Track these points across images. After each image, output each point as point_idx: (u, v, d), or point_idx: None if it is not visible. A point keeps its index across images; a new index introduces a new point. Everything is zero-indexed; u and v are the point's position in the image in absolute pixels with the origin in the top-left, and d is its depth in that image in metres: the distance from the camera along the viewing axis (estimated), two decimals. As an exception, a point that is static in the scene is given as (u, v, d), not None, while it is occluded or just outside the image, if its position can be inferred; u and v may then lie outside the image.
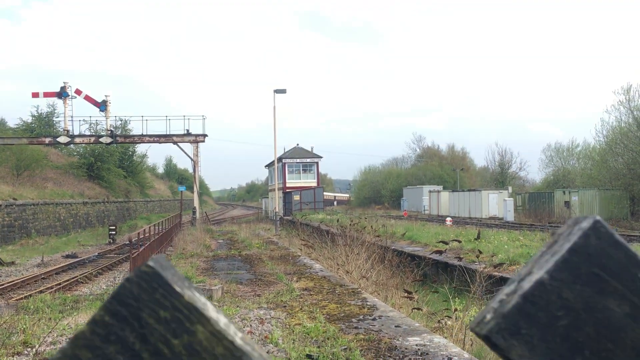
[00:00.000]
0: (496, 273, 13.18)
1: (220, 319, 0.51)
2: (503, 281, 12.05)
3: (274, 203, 48.16)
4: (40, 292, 14.86)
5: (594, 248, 0.53)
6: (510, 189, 52.43)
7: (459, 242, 13.18)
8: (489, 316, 0.52)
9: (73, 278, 18.03)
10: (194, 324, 0.49)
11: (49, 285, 16.48)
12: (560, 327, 0.51)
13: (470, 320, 8.20)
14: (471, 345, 7.68)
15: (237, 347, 0.50)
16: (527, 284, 0.52)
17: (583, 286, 0.52)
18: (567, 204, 42.05)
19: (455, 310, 8.60)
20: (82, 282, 17.60)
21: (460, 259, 11.06)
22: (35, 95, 40.29)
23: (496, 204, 47.92)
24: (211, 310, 0.51)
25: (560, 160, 59.86)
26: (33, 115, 50.87)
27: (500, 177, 70.22)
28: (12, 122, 49.12)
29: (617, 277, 0.53)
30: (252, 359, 0.50)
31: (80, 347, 0.49)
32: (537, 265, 0.54)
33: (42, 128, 49.18)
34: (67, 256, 24.67)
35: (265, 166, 72.72)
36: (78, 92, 39.70)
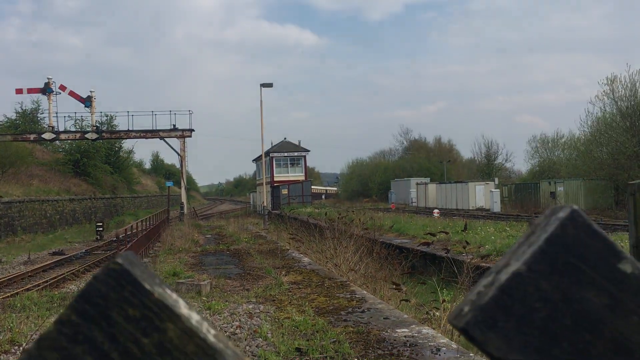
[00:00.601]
0: (483, 264, 13.29)
1: (192, 316, 0.49)
2: (490, 272, 12.13)
3: (262, 197, 48.10)
4: (27, 289, 14.73)
5: (571, 238, 0.52)
6: (496, 180, 52.82)
7: (447, 233, 13.26)
8: (466, 309, 0.51)
9: (60, 275, 17.90)
10: (165, 322, 0.48)
11: (36, 283, 16.35)
12: (537, 319, 0.50)
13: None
14: (459, 335, 7.75)
15: (210, 345, 0.48)
16: (504, 276, 0.51)
17: (560, 277, 0.51)
18: (553, 194, 42.45)
19: (443, 301, 8.68)
20: (70, 279, 17.48)
21: (447, 250, 11.12)
22: (19, 91, 39.85)
23: (483, 195, 48.25)
24: (182, 308, 0.49)
25: (546, 151, 60.34)
26: (17, 112, 50.26)
27: (486, 168, 70.66)
28: (-5, 119, 48.43)
29: (595, 267, 0.51)
30: (225, 357, 0.48)
31: (47, 348, 0.47)
32: (514, 256, 0.53)
33: (26, 124, 48.61)
34: (54, 253, 24.48)
35: (253, 160, 72.53)
36: (62, 87, 39.33)
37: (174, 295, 0.50)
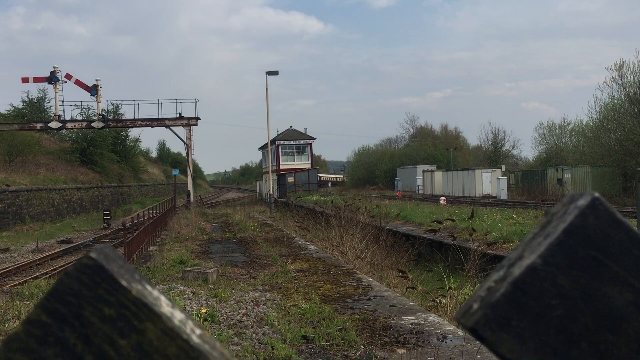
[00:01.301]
0: (490, 251, 13.27)
1: (175, 315, 0.45)
2: (497, 259, 12.13)
3: (268, 185, 48.13)
4: (35, 278, 14.84)
5: (592, 229, 0.48)
6: (503, 167, 52.59)
7: (453, 221, 13.23)
8: (475, 306, 0.47)
9: (68, 263, 18.02)
10: (144, 321, 0.44)
11: (44, 271, 16.47)
12: (554, 318, 0.46)
13: (465, 298, 8.26)
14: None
15: (193, 347, 0.44)
16: (517, 270, 0.47)
17: (580, 271, 0.47)
18: (560, 181, 42.24)
19: (450, 288, 8.66)
20: (78, 268, 17.59)
21: (454, 237, 11.10)
22: (25, 80, 39.86)
23: (489, 182, 48.08)
24: (164, 306, 0.45)
25: (553, 138, 59.99)
26: (24, 101, 50.45)
27: (493, 155, 70.39)
28: (2, 108, 48.72)
29: (618, 260, 0.47)
30: (210, 359, 0.44)
31: (14, 350, 0.43)
32: (529, 248, 0.48)
33: (33, 113, 48.77)
34: (62, 242, 24.63)
35: (259, 148, 72.50)
36: (68, 76, 39.33)
37: (155, 293, 0.46)
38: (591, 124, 45.84)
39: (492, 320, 0.46)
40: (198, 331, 0.46)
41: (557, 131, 59.79)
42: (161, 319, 0.44)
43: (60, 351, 0.43)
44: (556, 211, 0.51)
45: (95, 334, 0.43)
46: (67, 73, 39.01)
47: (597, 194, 0.50)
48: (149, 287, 0.46)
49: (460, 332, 6.45)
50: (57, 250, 21.27)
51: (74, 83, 39.16)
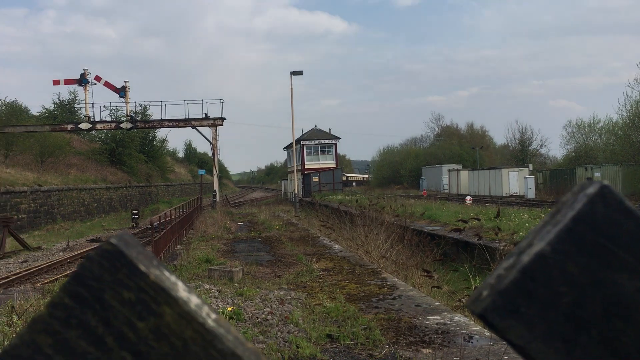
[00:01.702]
0: (517, 251, 13.07)
1: (192, 300, 0.47)
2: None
3: (293, 185, 48.29)
4: (66, 276, 15.16)
5: (600, 216, 0.48)
6: (530, 166, 51.87)
7: (479, 220, 13.10)
8: (485, 293, 0.47)
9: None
10: (161, 305, 0.45)
11: (75, 269, 16.81)
12: (563, 305, 0.46)
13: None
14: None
15: (208, 330, 0.46)
16: (526, 257, 0.47)
17: (589, 259, 0.47)
18: (590, 180, 41.39)
19: (476, 288, 8.58)
20: (107, 266, 17.91)
21: (480, 237, 10.99)
22: (56, 82, 40.69)
23: (517, 181, 47.44)
24: (181, 291, 0.47)
25: (582, 137, 58.89)
26: (55, 103, 51.49)
27: (520, 154, 69.41)
28: (34, 110, 49.70)
29: (627, 248, 0.47)
30: (225, 342, 0.46)
31: (39, 331, 0.45)
32: (538, 236, 0.48)
33: (64, 115, 49.75)
34: (92, 240, 25.10)
35: (284, 148, 72.76)
36: (98, 78, 40.01)
37: (173, 278, 0.48)
38: (621, 121, 44.87)
39: (500, 307, 0.46)
40: (213, 315, 0.47)
41: (586, 129, 58.69)
42: (178, 303, 0.46)
43: (82, 333, 0.45)
44: (566, 200, 0.51)
45: (115, 317, 0.45)
46: (96, 75, 39.69)
47: (606, 182, 0.49)
48: (166, 273, 0.48)
49: (487, 333, 6.40)
50: (87, 248, 21.69)
51: (104, 85, 39.83)
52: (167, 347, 0.45)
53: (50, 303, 0.45)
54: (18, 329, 6.73)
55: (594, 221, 0.47)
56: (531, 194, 42.15)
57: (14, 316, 7.32)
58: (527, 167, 50.78)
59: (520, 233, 16.28)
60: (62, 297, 0.45)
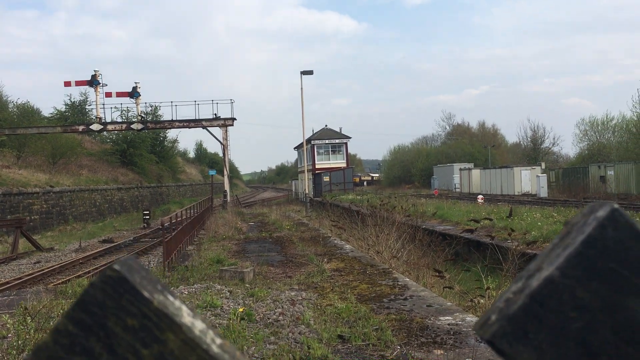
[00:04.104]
0: (529, 250, 12.98)
1: (196, 325, 0.47)
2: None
3: (304, 185, 48.28)
4: (78, 276, 15.25)
5: (611, 240, 0.47)
6: (543, 164, 51.45)
7: (491, 220, 13.01)
8: (493, 317, 0.46)
9: (110, 262, 18.43)
10: (165, 332, 0.45)
11: (87, 270, 16.90)
12: (573, 331, 0.45)
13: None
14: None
15: (213, 357, 0.45)
16: (535, 282, 0.46)
17: (599, 284, 0.46)
18: (603, 178, 41.08)
19: (488, 288, 8.51)
20: (118, 266, 17.97)
21: (492, 237, 10.91)
22: (67, 84, 40.94)
23: (529, 180, 47.12)
24: (185, 316, 0.47)
25: (595, 134, 58.39)
26: (66, 104, 51.87)
27: (532, 153, 68.96)
28: (46, 112, 50.12)
29: (639, 273, 0.46)
30: None
31: (44, 358, 0.45)
32: (548, 260, 0.48)
33: (75, 116, 50.11)
34: (104, 241, 25.25)
35: (295, 148, 72.78)
36: (108, 94, 40.17)
37: (177, 302, 0.48)
38: (635, 119, 44.44)
39: (509, 333, 0.45)
40: (218, 341, 0.47)
41: (599, 127, 58.17)
42: (182, 329, 0.46)
43: (86, 359, 0.45)
44: (576, 222, 0.50)
45: (119, 344, 0.45)
46: (106, 92, 39.56)
47: (616, 205, 0.48)
48: (170, 298, 0.48)
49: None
50: (99, 249, 21.82)
51: (115, 96, 40.00)
52: None
53: (54, 330, 0.46)
54: (31, 330, 6.76)
55: (604, 245, 0.47)
56: (543, 193, 41.84)
57: (27, 318, 7.35)
58: (540, 165, 50.40)
59: (533, 232, 16.15)
60: (66, 324, 0.46)
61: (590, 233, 0.47)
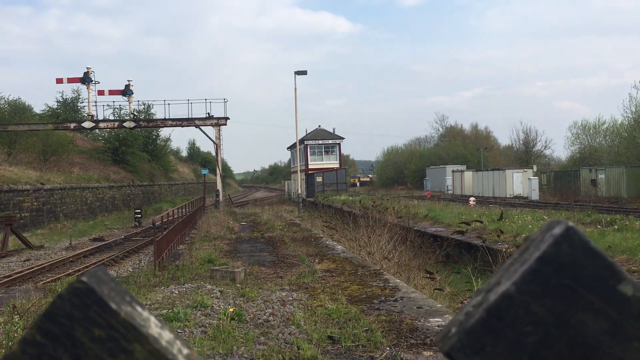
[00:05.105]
0: (520, 253, 13.03)
1: (163, 336, 0.48)
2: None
3: (297, 185, 48.26)
4: (68, 275, 15.18)
5: (565, 257, 0.48)
6: (535, 167, 51.76)
7: (482, 222, 13.06)
8: (453, 330, 0.47)
9: (100, 261, 18.38)
10: (132, 342, 0.46)
11: (77, 269, 16.82)
12: (528, 345, 0.46)
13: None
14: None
15: None
16: (492, 296, 0.47)
17: (553, 299, 0.47)
18: (594, 182, 41.33)
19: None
20: (109, 265, 17.93)
21: (483, 239, 10.96)
22: (59, 81, 40.73)
23: (520, 183, 47.35)
24: (153, 327, 0.48)
25: (587, 138, 58.74)
26: (58, 101, 51.63)
27: (524, 155, 69.30)
28: (38, 108, 49.85)
29: (592, 289, 0.47)
30: None
31: None
32: (506, 274, 0.49)
33: (67, 113, 49.85)
34: (95, 239, 25.13)
35: (288, 148, 72.75)
36: (101, 92, 40.00)
37: (145, 314, 0.49)
38: (626, 123, 44.74)
39: (466, 346, 0.46)
40: (185, 351, 0.48)
41: (591, 131, 58.54)
42: (148, 340, 0.46)
43: None
44: (534, 238, 0.51)
45: (86, 354, 0.46)
46: (99, 90, 39.38)
47: (571, 224, 0.50)
48: (139, 309, 0.48)
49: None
50: (89, 247, 21.71)
51: (108, 94, 39.80)
52: None
53: (22, 340, 0.47)
54: (19, 329, 6.72)
55: (558, 262, 0.48)
56: (535, 196, 42.06)
57: (15, 317, 7.31)
58: (531, 168, 50.69)
59: (523, 235, 16.22)
60: (34, 334, 0.46)
61: (546, 250, 0.48)
